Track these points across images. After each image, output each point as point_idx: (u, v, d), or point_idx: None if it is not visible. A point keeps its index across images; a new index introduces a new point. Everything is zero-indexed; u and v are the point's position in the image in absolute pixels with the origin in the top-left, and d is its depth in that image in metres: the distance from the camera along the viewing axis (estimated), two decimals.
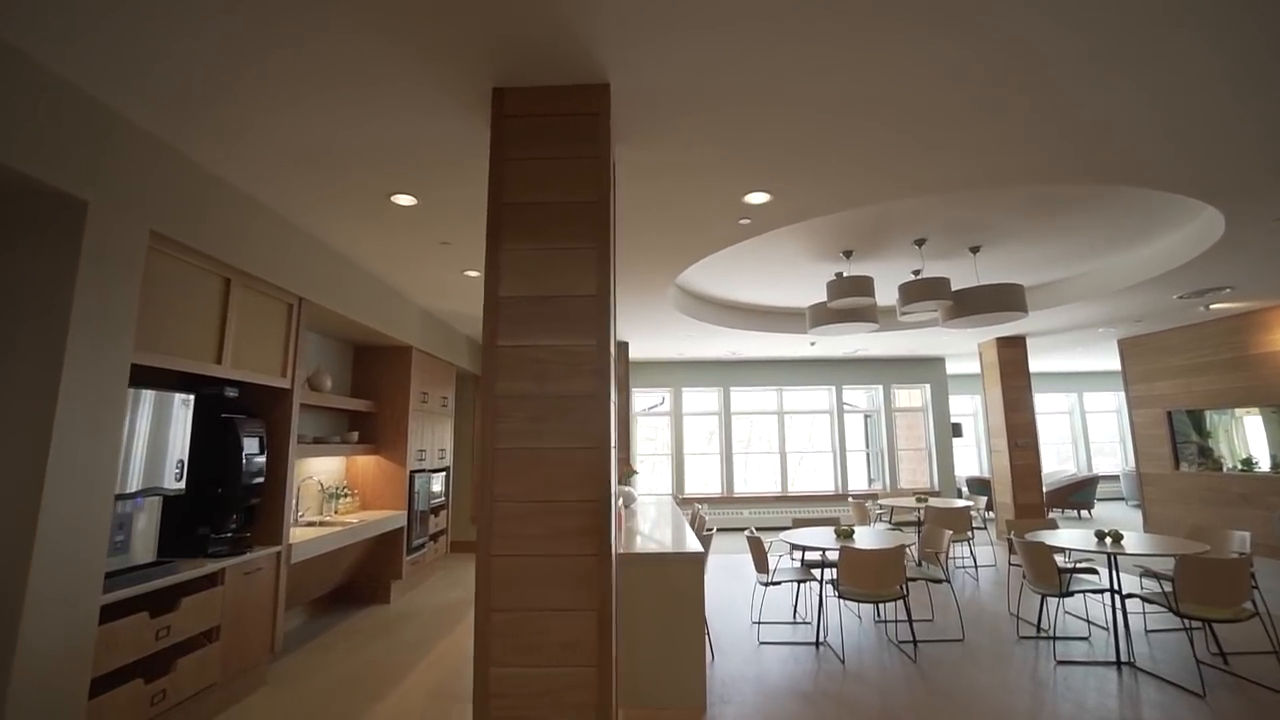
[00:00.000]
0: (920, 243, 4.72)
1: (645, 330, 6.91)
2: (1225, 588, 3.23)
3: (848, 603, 3.73)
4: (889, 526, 6.44)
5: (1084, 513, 9.49)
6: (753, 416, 9.86)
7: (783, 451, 9.50)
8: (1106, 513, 9.87)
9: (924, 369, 9.53)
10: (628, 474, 5.55)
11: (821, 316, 5.23)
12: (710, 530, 4.06)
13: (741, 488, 9.50)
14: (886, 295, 6.16)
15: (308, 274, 3.75)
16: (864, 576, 3.77)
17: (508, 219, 2.17)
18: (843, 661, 3.71)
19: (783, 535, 4.51)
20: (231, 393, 3.31)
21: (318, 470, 4.85)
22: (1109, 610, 3.81)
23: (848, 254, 5.00)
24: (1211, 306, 6.08)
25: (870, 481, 9.78)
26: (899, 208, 4.04)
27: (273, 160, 2.83)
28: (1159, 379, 7.36)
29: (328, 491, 4.85)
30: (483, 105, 2.39)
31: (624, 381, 7.62)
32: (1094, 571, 4.23)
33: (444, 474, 6.31)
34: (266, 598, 3.37)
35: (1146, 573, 4.15)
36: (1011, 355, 7.61)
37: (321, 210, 3.39)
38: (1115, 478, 11.07)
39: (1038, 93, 2.34)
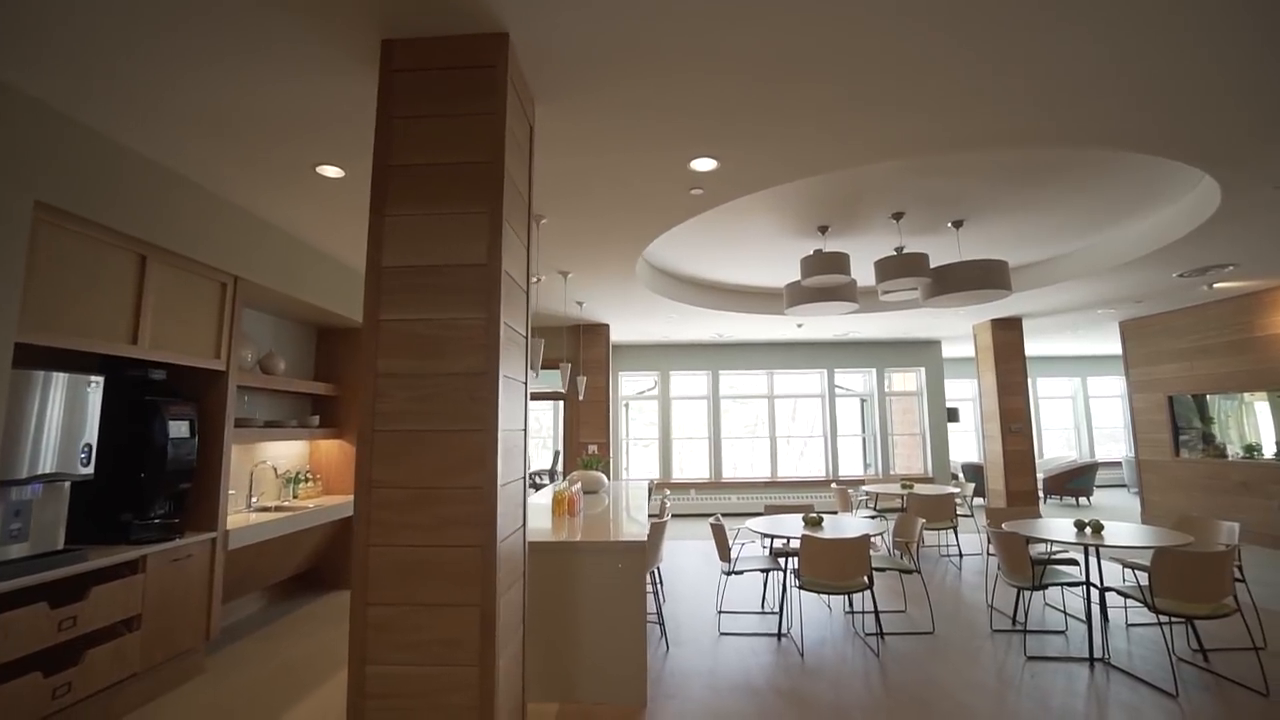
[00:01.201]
0: (898, 216, 4.47)
1: (623, 311, 6.72)
2: (1205, 582, 3.02)
3: (821, 593, 3.58)
4: (872, 514, 6.25)
5: (1082, 500, 9.23)
6: (743, 401, 9.67)
7: (773, 436, 9.31)
8: (1106, 500, 9.60)
9: (919, 352, 9.26)
10: (595, 460, 5.40)
11: (798, 295, 5.02)
12: (665, 518, 3.90)
13: (731, 473, 9.34)
14: (869, 274, 5.91)
15: (244, 252, 3.60)
16: (826, 567, 3.60)
17: (394, 182, 1.99)
18: (802, 655, 3.56)
19: (749, 523, 4.35)
20: (157, 375, 3.19)
21: (276, 455, 4.75)
22: (1089, 605, 3.61)
23: (823, 229, 4.77)
24: (1215, 286, 5.76)
25: (866, 467, 9.58)
26: (871, 179, 3.80)
27: (181, 129, 2.67)
28: (1160, 362, 7.05)
29: (285, 476, 4.75)
30: (376, 61, 2.20)
31: (603, 363, 7.45)
32: (1076, 563, 4.04)
33: None
34: (200, 585, 3.27)
35: (1132, 565, 3.95)
36: (1007, 338, 7.33)
37: (245, 183, 3.23)
38: (1118, 464, 10.76)
39: (988, 43, 2.10)
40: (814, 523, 4.21)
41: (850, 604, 4.50)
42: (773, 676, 3.27)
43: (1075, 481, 8.88)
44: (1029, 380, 11.40)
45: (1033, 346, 9.98)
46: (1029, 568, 3.61)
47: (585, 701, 2.95)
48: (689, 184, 3.27)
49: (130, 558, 2.83)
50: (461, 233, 1.94)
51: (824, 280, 4.52)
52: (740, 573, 4.04)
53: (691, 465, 9.48)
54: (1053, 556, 4.13)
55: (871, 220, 4.57)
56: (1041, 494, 9.38)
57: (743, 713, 2.86)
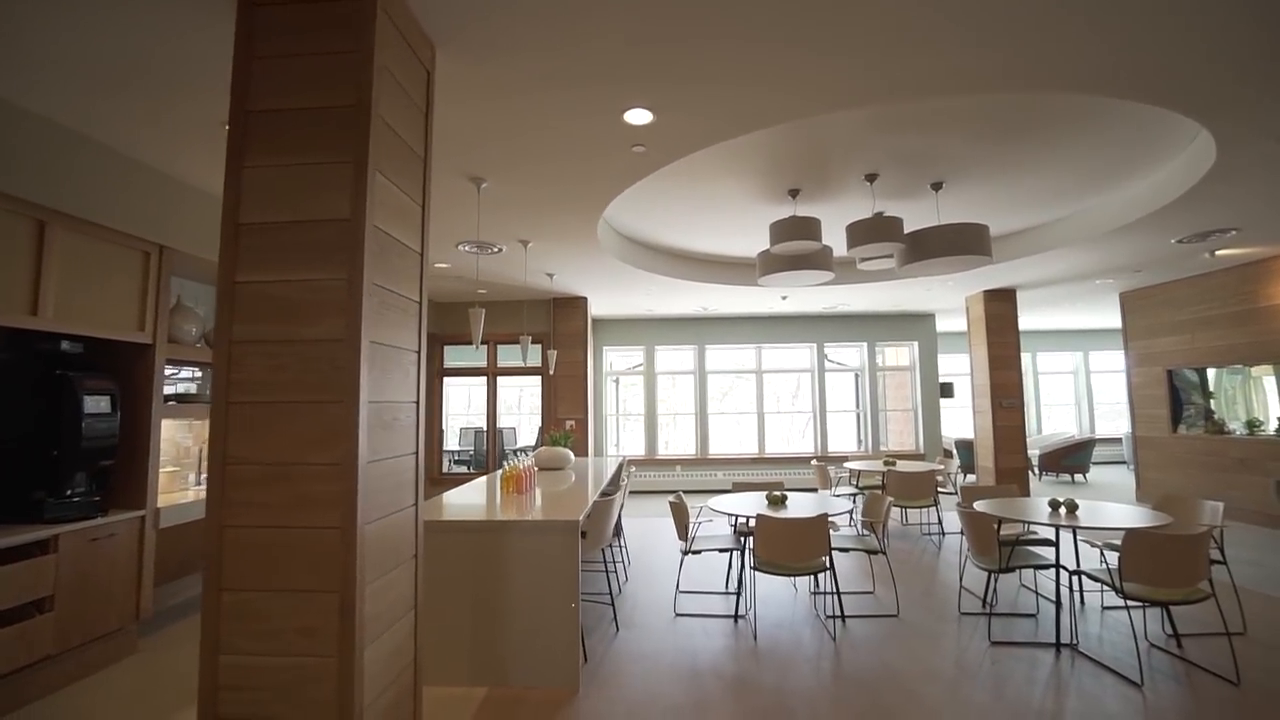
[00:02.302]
0: (871, 178, 4.20)
1: (598, 283, 6.50)
2: (1178, 566, 2.82)
3: (776, 575, 3.43)
4: (854, 490, 6.08)
5: (1078, 477, 8.99)
6: (730, 376, 9.47)
7: (760, 412, 9.12)
8: (1103, 477, 9.34)
9: (912, 325, 8.97)
10: (564, 436, 5.25)
11: (771, 264, 4.78)
12: (617, 496, 3.74)
13: (720, 449, 9.18)
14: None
15: (169, 220, 3.42)
16: (782, 547, 3.44)
17: (254, 130, 1.79)
18: (755, 638, 3.42)
19: (711, 501, 4.19)
20: (71, 348, 3.04)
21: None
22: (1058, 588, 3.43)
23: (794, 194, 4.51)
24: (1217, 254, 5.43)
25: (860, 443, 9.38)
26: (837, 136, 3.54)
27: (71, 84, 2.47)
28: (1160, 335, 6.74)
29: None
30: None
31: (581, 337, 7.26)
32: (1053, 544, 3.84)
33: None
34: (127, 564, 3.17)
35: (1109, 546, 3.75)
36: (1000, 309, 7.04)
37: (157, 144, 3.04)
38: (1118, 440, 10.47)
39: None
40: (776, 501, 4.05)
41: (817, 584, 4.35)
42: (718, 660, 3.13)
43: (1071, 458, 8.63)
44: (1028, 355, 11.12)
45: (1032, 320, 9.65)
46: (996, 549, 3.43)
47: (516, 685, 2.84)
48: (629, 139, 3.04)
49: (39, 537, 2.72)
50: (324, 185, 1.75)
51: (794, 247, 4.27)
52: (698, 552, 3.90)
53: (679, 441, 9.34)
54: (1026, 537, 3.93)
55: (844, 183, 4.30)
56: (1036, 471, 9.15)
57: (676, 699, 2.73)
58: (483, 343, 7.47)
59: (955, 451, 9.06)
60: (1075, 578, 3.41)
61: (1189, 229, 4.71)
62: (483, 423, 7.75)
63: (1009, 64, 2.37)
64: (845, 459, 7.61)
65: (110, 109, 2.69)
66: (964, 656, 3.14)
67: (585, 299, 7.27)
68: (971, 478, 8.49)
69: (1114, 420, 11.26)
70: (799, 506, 3.92)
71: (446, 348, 7.64)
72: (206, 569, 1.66)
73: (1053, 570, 3.34)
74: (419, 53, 2.12)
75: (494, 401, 7.52)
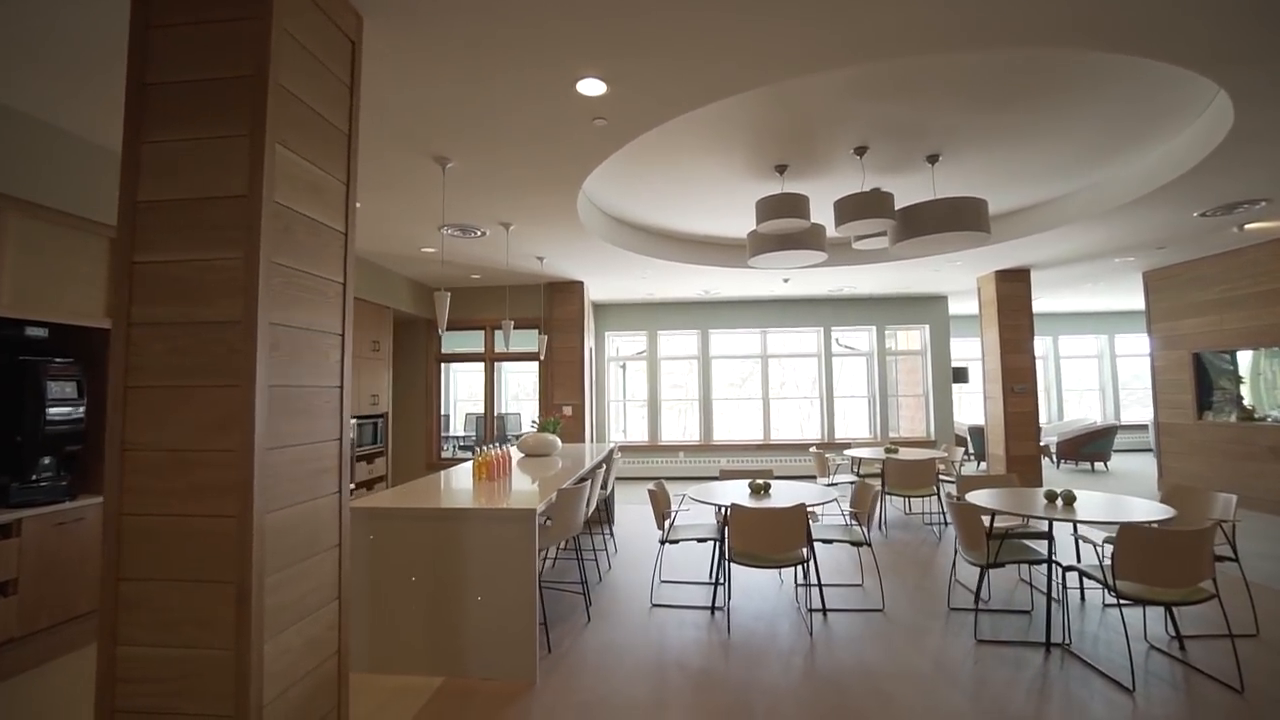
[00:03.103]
0: (860, 151, 3.98)
1: (591, 267, 6.37)
2: (1176, 564, 2.62)
3: (753, 566, 3.32)
4: (855, 479, 5.90)
5: (1098, 465, 8.61)
6: (735, 361, 9.28)
7: (765, 397, 8.93)
8: (1125, 465, 8.93)
9: (923, 308, 8.64)
10: (552, 423, 5.17)
11: (760, 244, 4.59)
12: (586, 483, 3.64)
13: (724, 435, 9.04)
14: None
15: None
16: (758, 538, 3.31)
17: (151, 103, 1.70)
18: (729, 631, 3.31)
19: (691, 490, 4.07)
20: (35, 333, 3.05)
21: None
22: (1050, 584, 3.26)
23: (781, 169, 4.30)
24: (1246, 227, 5.06)
25: (871, 430, 9.12)
26: (820, 107, 3.34)
27: (12, 64, 2.42)
28: (1186, 316, 6.35)
29: None
30: None
31: (577, 322, 7.15)
32: (1050, 537, 3.64)
33: (377, 421, 6.10)
34: (97, 548, 3.19)
35: (1110, 541, 3.53)
36: (1012, 290, 6.71)
37: (112, 127, 2.99)
38: (1144, 428, 10.01)
39: None
40: (759, 490, 3.91)
41: (804, 576, 4.21)
42: (686, 654, 3.03)
43: (1091, 446, 8.26)
44: (1049, 339, 10.67)
45: (1055, 302, 9.24)
46: (984, 543, 3.25)
47: (473, 676, 2.78)
48: (587, 111, 2.89)
49: (1, 521, 2.73)
50: (222, 160, 1.65)
51: (781, 225, 4.08)
52: (675, 542, 3.79)
53: (682, 427, 9.21)
54: (1024, 530, 3.73)
55: (832, 157, 4.09)
56: (1054, 459, 8.80)
57: (634, 694, 2.64)
58: (477, 329, 7.42)
59: (970, 438, 8.77)
60: (1074, 574, 3.22)
61: (1212, 201, 4.38)
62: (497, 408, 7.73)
63: (982, 18, 2.16)
64: (848, 446, 7.41)
65: (57, 91, 2.65)
66: (945, 655, 2.98)
67: (582, 283, 7.15)
68: (984, 466, 8.20)
69: (1142, 406, 10.77)
70: (783, 496, 3.78)
71: (446, 333, 7.60)
72: (104, 558, 1.61)
73: (1050, 566, 3.16)
74: (339, 21, 2.00)
75: (492, 387, 7.48)
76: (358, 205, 4.21)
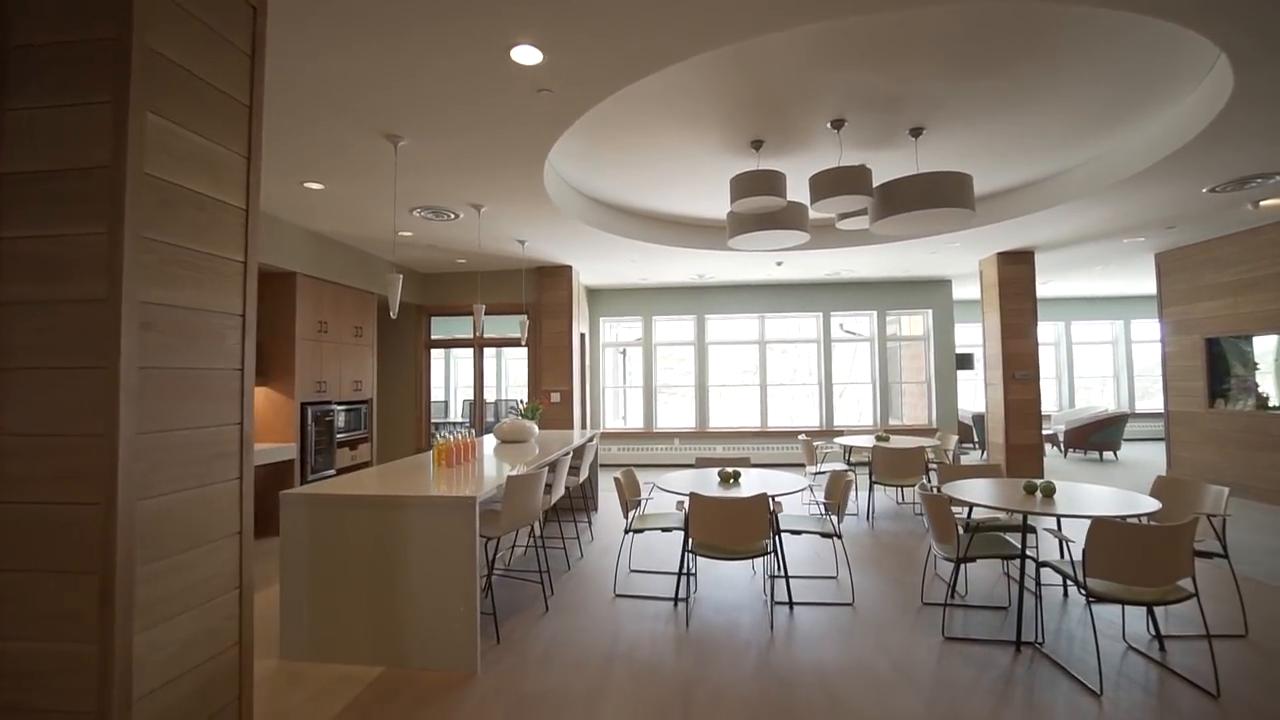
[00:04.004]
0: (838, 125, 3.78)
1: (576, 250, 6.25)
2: (1150, 562, 2.45)
3: (713, 558, 3.21)
4: (846, 466, 5.74)
5: (1107, 454, 8.31)
6: (737, 348, 9.11)
7: (763, 384, 8.76)
8: (1136, 455, 8.60)
9: (926, 292, 8.37)
10: (531, 409, 5.09)
11: (739, 224, 4.42)
12: (540, 470, 3.55)
13: (722, 422, 8.90)
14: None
15: None
16: (718, 529, 3.20)
17: (13, 67, 1.61)
18: (687, 625, 3.22)
19: (660, 479, 3.96)
20: None
21: None
22: (1022, 579, 3.11)
23: (757, 145, 4.12)
24: (1262, 204, 4.74)
25: (877, 417, 8.91)
26: (788, 76, 3.15)
27: None
28: (1200, 299, 6.02)
29: None
30: None
31: (566, 307, 7.04)
32: (1032, 530, 3.48)
33: (361, 407, 6.08)
34: None
35: None
36: (1015, 273, 6.43)
37: None
38: (1159, 416, 9.61)
39: None
40: (727, 479, 3.80)
41: (779, 567, 4.10)
42: (638, 647, 2.94)
43: (1100, 434, 7.96)
44: (1060, 324, 10.30)
45: (1066, 286, 8.88)
46: (955, 536, 3.09)
47: (413, 666, 2.72)
48: (529, 82, 2.75)
49: None
50: (85, 129, 1.56)
51: (756, 204, 3.92)
52: (640, 531, 3.70)
53: (679, 414, 9.09)
54: (1004, 523, 3.56)
55: (810, 131, 3.90)
56: (1061, 448, 8.51)
57: (573, 687, 2.56)
58: (466, 314, 7.34)
59: (975, 426, 8.52)
60: (1039, 569, 3.05)
61: (1221, 175, 4.10)
62: (490, 394, 7.69)
63: None
64: (843, 434, 7.24)
65: None
66: (908, 653, 2.85)
67: (570, 268, 7.03)
68: (986, 455, 7.95)
69: (1158, 394, 10.37)
70: (755, 485, 3.66)
71: (434, 319, 7.56)
72: None
73: (1023, 561, 3.00)
74: None
75: (482, 372, 7.43)
76: (316, 187, 4.12)
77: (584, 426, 7.88)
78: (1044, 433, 8.58)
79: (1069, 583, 3.60)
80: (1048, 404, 10.55)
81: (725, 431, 8.64)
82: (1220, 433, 5.88)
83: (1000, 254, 6.45)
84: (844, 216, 4.49)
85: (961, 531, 3.48)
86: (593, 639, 3.04)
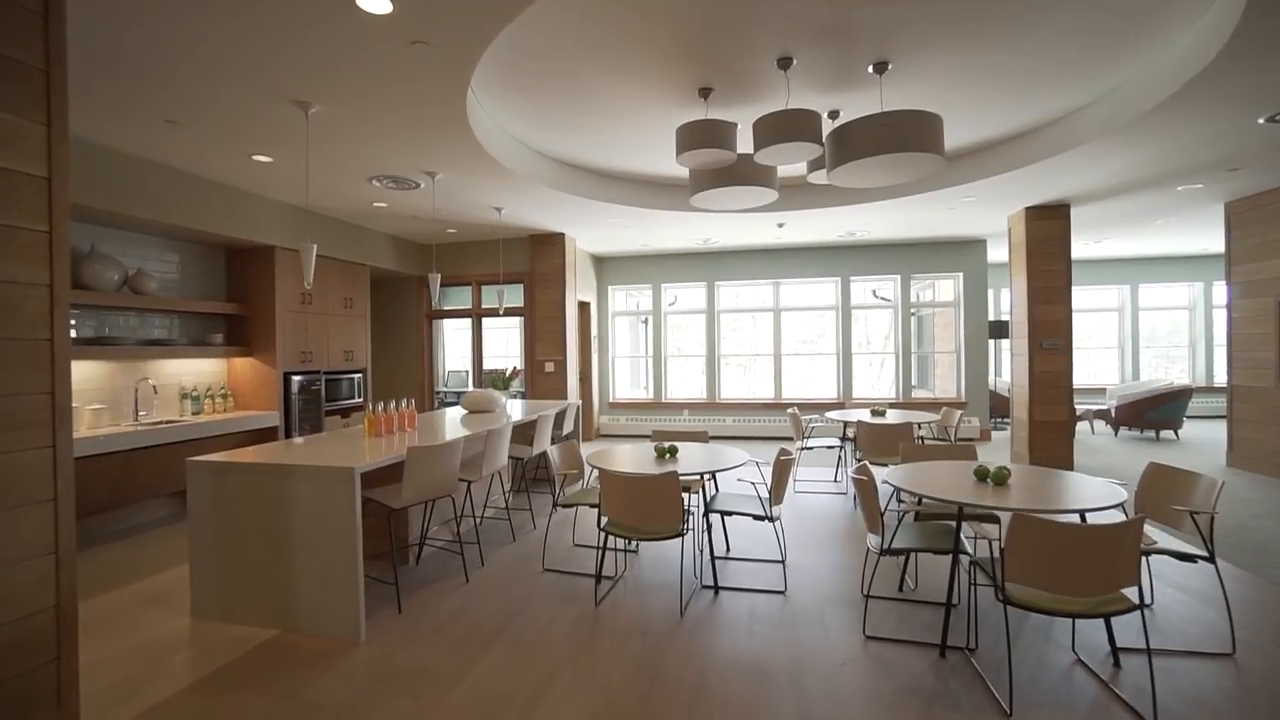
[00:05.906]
0: (785, 64, 3.36)
1: (564, 217, 6.06)
2: (1089, 566, 2.07)
3: (623, 538, 3.05)
4: (838, 442, 5.37)
5: (1165, 433, 7.34)
6: (746, 315, 8.69)
7: (777, 353, 8.33)
8: (1199, 434, 7.53)
9: (956, 254, 7.59)
10: (501, 379, 5.04)
11: (699, 181, 4.10)
12: (459, 436, 3.47)
13: (734, 393, 8.58)
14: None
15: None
16: (625, 508, 3.03)
17: None
18: (596, 603, 3.09)
19: (589, 451, 3.81)
20: None
21: (177, 372, 4.92)
22: (956, 578, 2.76)
23: (704, 93, 3.76)
24: None
25: (910, 389, 8.31)
26: (720, 6, 2.80)
27: None
28: (1273, 255, 5.09)
29: (188, 394, 4.93)
30: None
31: (559, 275, 6.90)
32: (995, 521, 3.09)
33: (354, 376, 6.25)
34: None
35: None
36: (1046, 230, 5.67)
37: None
38: None
39: None
40: (663, 454, 3.59)
41: (727, 549, 3.89)
42: (531, 624, 2.85)
43: (1156, 411, 7.02)
44: (1125, 287, 9.13)
45: (1129, 244, 7.82)
46: (880, 525, 2.78)
47: (303, 631, 2.76)
48: (400, 35, 2.56)
49: None
50: None
51: (704, 157, 3.60)
52: (569, 506, 3.58)
53: (690, 384, 8.84)
54: (963, 514, 3.17)
55: (760, 75, 3.50)
56: (1111, 427, 7.61)
57: (444, 664, 2.51)
58: (464, 284, 7.36)
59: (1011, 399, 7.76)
60: (973, 567, 2.68)
61: (1276, 100, 3.35)
62: (497, 364, 7.76)
63: None
64: (842, 405, 6.77)
65: None
66: (815, 652, 2.60)
67: (563, 235, 6.86)
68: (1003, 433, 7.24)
69: None
70: (694, 462, 3.43)
71: (447, 289, 7.63)
72: None
73: (956, 557, 2.65)
74: None
75: (479, 343, 7.47)
76: (265, 160, 4.14)
77: (580, 397, 7.81)
78: (1096, 408, 7.71)
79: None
80: (1108, 376, 9.47)
81: (736, 403, 8.33)
82: None
83: (1030, 209, 5.69)
84: (814, 171, 4.07)
85: (912, 520, 3.16)
86: (493, 613, 2.98)
